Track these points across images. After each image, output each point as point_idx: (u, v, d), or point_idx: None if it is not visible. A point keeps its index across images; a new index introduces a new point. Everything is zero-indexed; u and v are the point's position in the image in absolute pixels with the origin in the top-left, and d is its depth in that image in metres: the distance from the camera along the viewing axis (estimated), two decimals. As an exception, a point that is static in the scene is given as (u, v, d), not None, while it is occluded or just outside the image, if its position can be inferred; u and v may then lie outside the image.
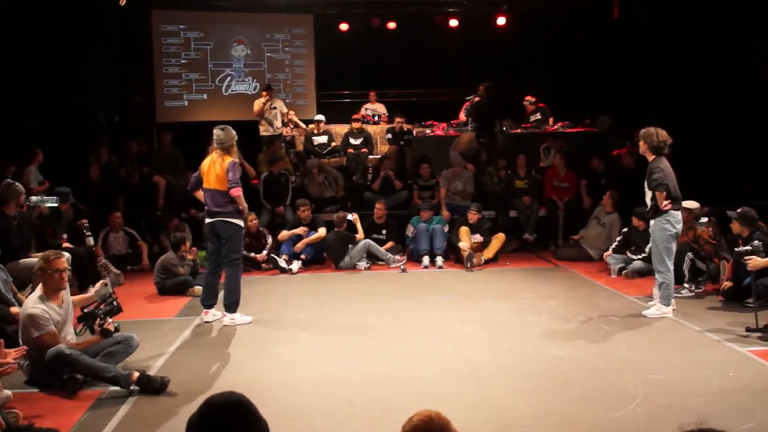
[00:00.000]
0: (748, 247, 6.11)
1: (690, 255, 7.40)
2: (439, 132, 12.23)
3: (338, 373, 5.04)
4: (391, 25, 13.91)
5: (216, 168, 6.34)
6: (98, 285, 5.28)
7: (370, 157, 11.65)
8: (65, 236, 7.76)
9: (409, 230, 9.77)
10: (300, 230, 9.30)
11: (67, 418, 4.22)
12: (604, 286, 7.93)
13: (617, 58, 12.14)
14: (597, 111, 12.10)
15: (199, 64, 13.09)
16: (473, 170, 10.57)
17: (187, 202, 10.09)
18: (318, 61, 13.60)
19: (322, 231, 9.39)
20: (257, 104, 11.33)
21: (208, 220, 6.51)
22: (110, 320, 4.96)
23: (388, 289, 8.00)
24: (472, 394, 4.55)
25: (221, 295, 6.65)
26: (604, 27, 12.80)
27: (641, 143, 6.47)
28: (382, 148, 12.20)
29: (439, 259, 9.24)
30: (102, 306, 5.01)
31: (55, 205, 7.46)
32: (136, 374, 4.64)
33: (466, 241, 9.20)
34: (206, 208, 6.51)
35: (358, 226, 9.47)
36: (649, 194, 6.41)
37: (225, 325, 6.41)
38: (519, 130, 12.18)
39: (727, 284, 6.96)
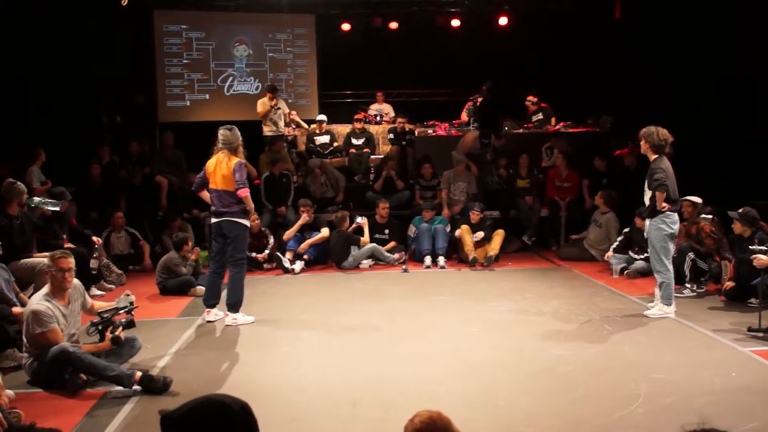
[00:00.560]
0: (763, 247, 6.05)
1: (691, 255, 7.40)
2: (441, 132, 12.22)
3: (341, 372, 5.04)
4: (393, 25, 13.90)
5: (222, 168, 6.35)
6: (122, 295, 5.41)
7: (372, 157, 11.66)
8: (66, 237, 7.76)
9: (411, 230, 9.80)
10: (303, 220, 9.33)
11: (69, 418, 4.22)
12: (606, 286, 7.93)
13: (619, 58, 12.13)
14: (599, 111, 12.09)
15: (201, 64, 13.11)
16: (476, 173, 10.56)
17: (189, 202, 10.12)
18: (320, 61, 13.61)
19: (325, 231, 9.41)
20: (262, 105, 11.33)
21: (214, 220, 6.52)
22: (123, 331, 5.06)
23: (391, 289, 8.01)
24: (475, 394, 4.56)
25: (224, 294, 6.66)
26: (606, 27, 12.79)
27: (642, 142, 6.47)
28: (384, 148, 12.20)
29: (441, 259, 9.25)
30: (120, 315, 5.12)
31: (57, 208, 7.45)
32: (139, 374, 4.64)
33: (467, 239, 9.22)
34: (212, 208, 6.52)
35: (366, 230, 9.49)
36: (648, 194, 6.41)
37: (227, 325, 6.42)
38: (521, 130, 12.18)
39: (729, 284, 6.96)
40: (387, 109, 13.34)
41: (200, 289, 7.51)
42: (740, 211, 6.79)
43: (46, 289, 4.96)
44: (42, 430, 3.93)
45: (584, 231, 9.79)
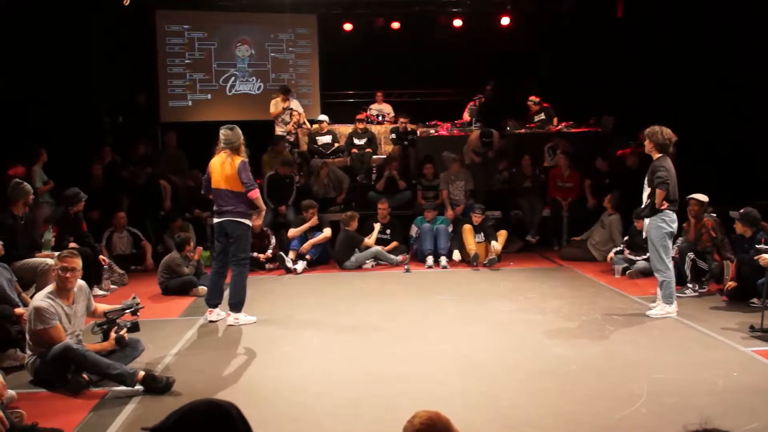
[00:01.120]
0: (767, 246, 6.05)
1: (691, 255, 7.39)
2: (443, 132, 12.23)
3: (342, 372, 5.05)
4: (395, 25, 13.92)
5: (226, 168, 6.33)
6: (129, 298, 5.47)
7: (374, 157, 11.66)
8: (72, 238, 7.78)
9: (413, 230, 9.80)
10: (311, 222, 9.34)
11: (71, 418, 4.23)
12: (608, 286, 7.92)
13: (621, 57, 12.12)
14: (601, 111, 12.09)
15: (203, 64, 13.14)
16: (479, 160, 10.51)
17: (190, 202, 10.13)
18: (322, 61, 13.63)
19: (327, 231, 9.42)
20: (274, 106, 11.37)
21: (216, 220, 6.50)
22: (127, 333, 5.10)
23: (393, 289, 8.01)
24: (477, 393, 4.56)
25: (226, 294, 6.67)
26: (608, 27, 12.78)
27: (646, 142, 6.47)
28: (386, 148, 12.21)
29: (443, 259, 9.26)
30: (126, 316, 5.16)
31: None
32: (142, 373, 4.65)
33: (470, 240, 9.22)
34: (215, 207, 6.51)
35: (374, 234, 9.50)
36: (647, 191, 6.42)
37: (229, 325, 6.43)
38: (523, 130, 12.18)
39: (731, 284, 6.96)
40: (387, 109, 13.35)
41: (202, 289, 7.52)
42: (741, 211, 6.80)
43: (50, 287, 4.98)
44: (44, 430, 3.94)
45: (586, 232, 9.79)
